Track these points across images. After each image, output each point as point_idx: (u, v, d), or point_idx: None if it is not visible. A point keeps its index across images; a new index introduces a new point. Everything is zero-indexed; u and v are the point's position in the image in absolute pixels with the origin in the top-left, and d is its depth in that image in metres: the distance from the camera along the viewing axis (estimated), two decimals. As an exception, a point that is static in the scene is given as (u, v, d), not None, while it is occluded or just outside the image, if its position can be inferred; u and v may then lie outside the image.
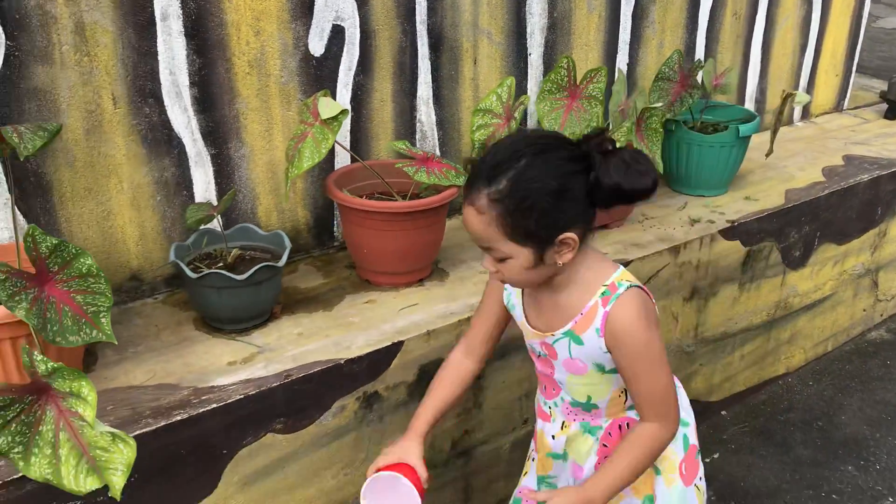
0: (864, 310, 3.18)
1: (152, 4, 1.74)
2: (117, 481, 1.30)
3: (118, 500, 1.31)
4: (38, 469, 1.28)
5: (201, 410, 1.56)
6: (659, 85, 2.49)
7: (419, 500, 1.39)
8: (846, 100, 3.62)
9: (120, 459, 1.30)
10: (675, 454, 1.53)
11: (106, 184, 1.81)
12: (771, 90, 3.21)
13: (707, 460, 2.53)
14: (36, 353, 1.24)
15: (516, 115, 2.14)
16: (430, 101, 2.26)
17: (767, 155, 2.61)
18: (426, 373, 1.86)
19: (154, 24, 1.76)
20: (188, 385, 1.63)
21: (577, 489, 1.41)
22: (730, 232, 2.41)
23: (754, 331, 2.71)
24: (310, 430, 1.73)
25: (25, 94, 1.66)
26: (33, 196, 1.73)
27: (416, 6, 2.12)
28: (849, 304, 3.08)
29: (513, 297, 1.53)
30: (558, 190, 1.28)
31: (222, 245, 1.90)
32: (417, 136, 2.28)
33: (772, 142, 2.55)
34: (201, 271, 1.73)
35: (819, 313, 2.96)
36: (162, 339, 1.79)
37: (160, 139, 1.85)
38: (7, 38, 1.60)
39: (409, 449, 1.46)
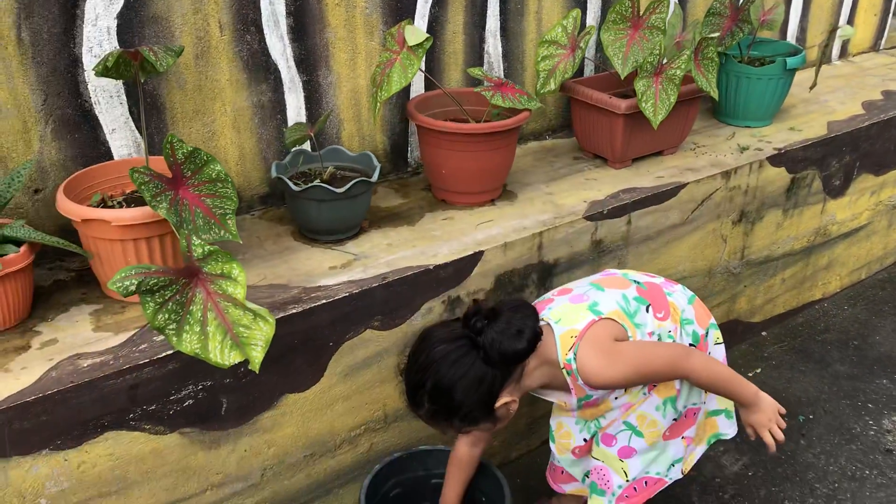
0: (898, 240, 3.33)
1: (255, -62, 1.89)
2: (257, 356, 1.49)
3: (257, 372, 1.49)
4: (188, 344, 1.46)
5: (312, 305, 1.74)
6: (710, 20, 2.60)
7: None
8: (883, 40, 3.71)
9: (260, 336, 1.48)
10: (660, 424, 1.75)
11: (211, 106, 1.98)
12: (811, 29, 3.32)
13: (750, 374, 2.71)
14: (194, 238, 1.42)
15: (581, 44, 2.28)
16: (498, 33, 2.40)
17: (812, 87, 2.74)
18: (502, 282, 2.04)
19: (256, -44, 1.91)
20: (297, 285, 1.81)
21: (746, 410, 1.65)
22: (777, 159, 2.55)
23: (795, 256, 2.87)
24: (402, 328, 1.91)
25: (145, 20, 1.81)
26: (149, 116, 1.90)
27: (488, -58, 2.26)
28: (883, 234, 3.22)
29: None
30: (467, 389, 1.51)
31: (316, 164, 2.06)
32: (485, 67, 2.42)
33: (816, 73, 2.68)
34: (303, 186, 1.90)
35: (855, 242, 3.10)
36: (266, 248, 1.97)
37: (259, 65, 2.01)
38: (131, -32, 1.76)
39: None
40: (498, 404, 1.54)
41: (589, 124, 2.41)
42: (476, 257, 1.98)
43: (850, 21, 3.47)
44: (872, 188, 3.01)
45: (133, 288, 1.37)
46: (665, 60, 2.25)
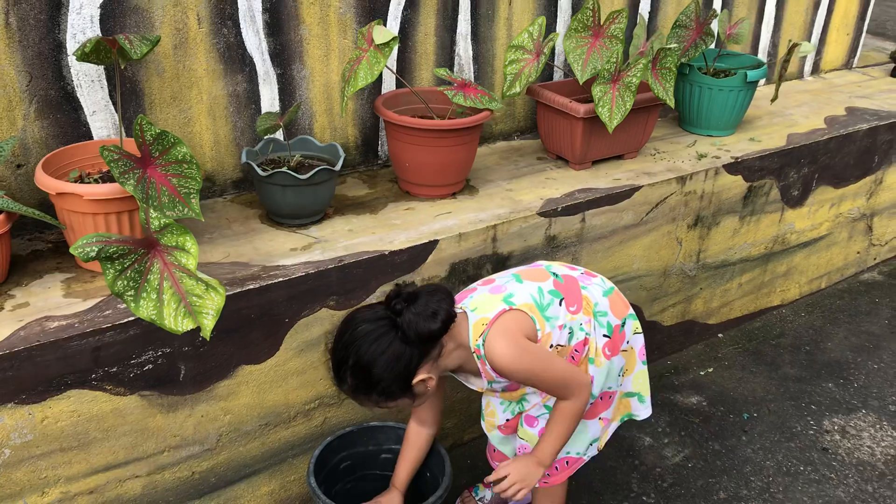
0: (858, 252, 3.44)
1: (234, -63, 2.02)
2: (208, 324, 1.61)
3: (207, 339, 1.62)
4: (145, 310, 1.59)
5: (269, 283, 1.86)
6: (676, 31, 2.73)
7: None
8: (856, 58, 3.83)
9: (211, 305, 1.61)
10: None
11: (188, 94, 2.10)
12: (783, 44, 3.44)
13: (702, 373, 2.82)
14: (152, 211, 1.55)
15: (545, 50, 2.40)
16: (469, 36, 2.52)
17: (773, 101, 2.85)
18: (456, 270, 2.16)
19: (235, -45, 2.04)
20: (257, 264, 1.94)
21: (529, 456, 1.79)
22: (733, 167, 2.67)
23: (752, 262, 2.98)
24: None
25: (127, 11, 1.94)
26: (128, 100, 2.02)
27: (460, -51, 2.38)
28: (843, 245, 3.33)
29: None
30: (386, 364, 1.61)
31: (285, 153, 2.19)
32: (455, 69, 2.55)
33: (776, 88, 2.79)
34: (268, 172, 2.03)
35: (814, 251, 3.21)
36: (233, 229, 2.09)
37: (235, 57, 2.13)
38: (114, -38, 1.89)
39: (396, 500, 1.92)
40: (415, 381, 1.64)
41: (552, 127, 2.53)
42: (431, 246, 2.10)
43: (822, 38, 3.59)
44: (832, 200, 3.12)
45: (93, 254, 1.49)
46: (623, 68, 2.37)
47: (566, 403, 1.75)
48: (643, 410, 1.98)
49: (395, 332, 1.62)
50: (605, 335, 1.83)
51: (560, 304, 1.79)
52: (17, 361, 1.59)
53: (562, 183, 2.44)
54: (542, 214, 2.26)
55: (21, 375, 1.60)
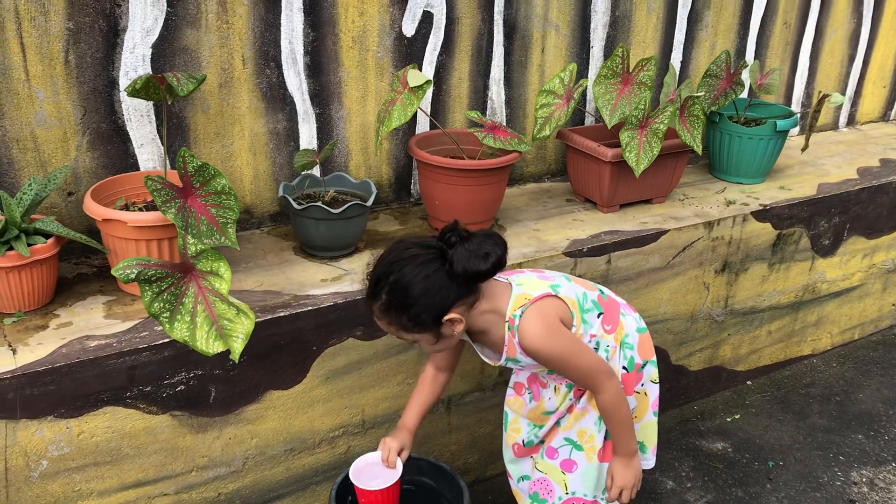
0: (894, 304, 3.40)
1: (280, -15, 2.14)
2: (237, 347, 1.68)
3: (236, 362, 1.69)
4: (179, 332, 1.67)
5: (299, 311, 1.93)
6: (707, 81, 2.78)
7: (399, 473, 1.81)
8: (893, 111, 3.83)
9: (241, 329, 1.68)
10: (596, 439, 1.87)
11: (231, 130, 2.21)
12: (817, 96, 3.46)
13: (728, 419, 2.81)
14: (189, 237, 1.64)
15: (575, 95, 2.47)
16: (501, 81, 2.61)
17: (803, 150, 2.88)
18: (482, 306, 2.21)
19: (280, 1, 2.15)
20: (289, 293, 2.01)
21: (617, 458, 1.81)
22: (761, 214, 2.69)
23: (782, 310, 2.98)
24: (383, 340, 2.09)
25: (177, 51, 2.06)
26: (174, 135, 2.14)
27: (495, -1, 2.48)
28: (877, 296, 3.31)
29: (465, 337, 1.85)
30: (425, 290, 1.59)
31: (320, 188, 2.28)
32: (488, 112, 2.63)
33: (807, 138, 2.82)
34: (303, 205, 2.12)
35: (847, 302, 3.20)
36: (267, 260, 2.18)
37: (276, 97, 2.24)
38: (168, 6, 2.01)
39: (404, 439, 1.87)
40: (446, 317, 1.61)
41: (580, 170, 2.59)
42: (457, 281, 2.15)
43: (858, 91, 3.61)
44: (864, 251, 3.12)
45: (133, 276, 1.58)
46: (651, 114, 2.43)
47: (604, 399, 1.75)
48: (646, 461, 1.96)
49: (442, 263, 1.60)
50: (624, 367, 1.85)
51: (598, 317, 1.82)
52: (58, 377, 1.68)
53: (589, 224, 2.49)
54: (567, 254, 2.31)
55: (61, 390, 1.69)
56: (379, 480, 1.80)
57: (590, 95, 2.82)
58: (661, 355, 2.70)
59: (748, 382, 3.03)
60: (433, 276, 1.60)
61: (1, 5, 1.83)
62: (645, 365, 1.89)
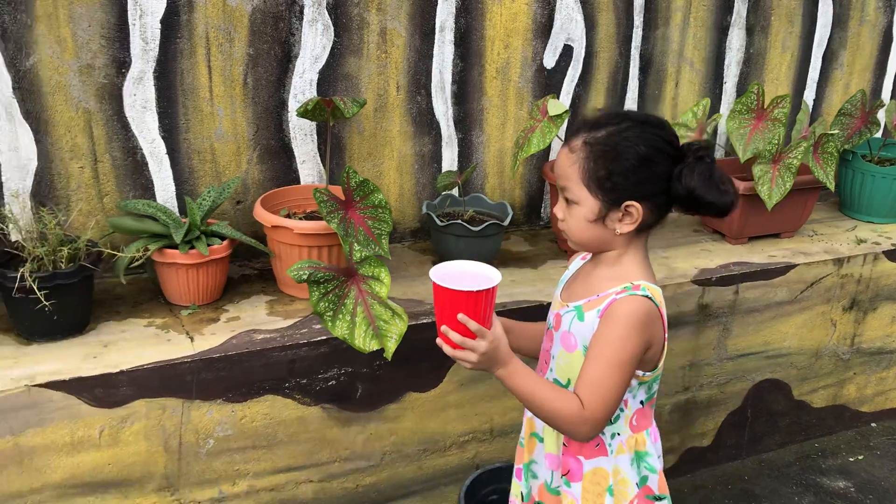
0: None
1: (434, 18, 2.31)
2: (391, 346, 1.83)
3: (389, 360, 1.84)
4: (340, 330, 1.83)
5: (441, 320, 2.07)
6: (840, 119, 2.79)
7: (498, 279, 1.44)
8: None
9: (395, 330, 1.83)
10: (631, 487, 1.57)
11: (382, 151, 2.39)
12: (956, 138, 3.40)
13: (851, 459, 2.78)
14: (355, 244, 1.81)
15: (708, 129, 2.54)
16: (634, 113, 2.71)
17: (940, 191, 2.84)
18: (609, 327, 2.30)
19: (433, 33, 2.33)
20: (428, 302, 2.16)
21: (501, 355, 1.47)
22: (894, 254, 2.67)
23: (912, 353, 2.93)
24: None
25: (340, 77, 2.26)
26: (333, 153, 2.33)
27: (633, 34, 2.59)
28: None
29: (567, 276, 1.67)
30: (645, 157, 1.40)
31: (459, 208, 2.43)
32: (619, 142, 2.73)
33: (945, 179, 2.79)
34: (445, 223, 2.27)
35: (982, 349, 3.10)
36: (409, 271, 2.34)
37: (424, 122, 2.41)
38: (335, 36, 2.22)
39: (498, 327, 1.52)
40: (630, 200, 1.42)
41: (709, 201, 2.65)
42: (587, 302, 2.25)
43: None
44: None
45: (305, 277, 1.76)
46: (784, 150, 2.47)
47: (574, 400, 1.44)
48: None
49: (672, 163, 1.42)
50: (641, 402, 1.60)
51: (641, 403, 1.58)
52: (229, 364, 1.87)
53: (717, 255, 2.54)
54: (696, 282, 2.37)
55: (231, 377, 1.88)
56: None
57: (720, 129, 2.87)
58: (783, 389, 2.71)
59: (873, 424, 2.98)
60: (659, 158, 1.42)
61: (195, 33, 2.07)
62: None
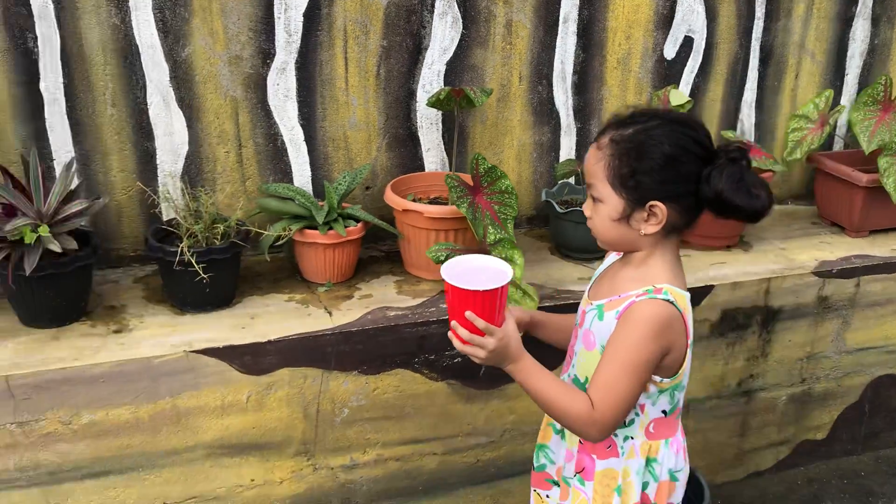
0: None
1: (559, 10, 2.38)
2: (519, 326, 1.91)
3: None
4: (469, 309, 1.91)
5: (562, 303, 2.13)
6: (969, 111, 2.72)
7: (509, 276, 1.43)
8: None
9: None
10: (635, 492, 1.55)
11: (502, 140, 2.47)
12: None
13: (973, 460, 2.72)
14: (490, 227, 1.89)
15: (830, 121, 2.52)
16: (753, 104, 2.70)
17: None
18: (727, 317, 2.32)
19: (557, 25, 2.39)
20: (550, 287, 2.22)
21: (512, 351, 1.48)
22: None
23: None
24: (633, 339, 2.25)
25: (466, 68, 2.35)
26: (457, 142, 2.43)
27: (754, 26, 2.59)
28: None
29: (598, 272, 1.65)
30: (670, 156, 1.37)
31: (577, 196, 2.48)
32: (737, 134, 2.73)
33: None
34: (565, 210, 2.33)
35: None
36: (527, 258, 2.40)
37: (544, 111, 2.48)
38: (463, 28, 2.30)
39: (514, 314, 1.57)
40: (654, 200, 1.39)
41: (830, 194, 2.63)
42: (706, 290, 2.28)
43: None
44: None
45: (443, 258, 1.85)
46: (912, 142, 2.44)
47: (584, 399, 1.43)
48: None
49: (702, 164, 1.39)
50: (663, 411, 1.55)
51: (662, 412, 1.54)
52: (364, 338, 1.98)
53: (836, 247, 2.52)
54: (816, 274, 2.37)
55: (366, 350, 1.99)
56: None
57: (841, 121, 2.84)
58: (903, 386, 2.67)
59: None
60: (687, 158, 1.38)
61: (334, 26, 2.19)
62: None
